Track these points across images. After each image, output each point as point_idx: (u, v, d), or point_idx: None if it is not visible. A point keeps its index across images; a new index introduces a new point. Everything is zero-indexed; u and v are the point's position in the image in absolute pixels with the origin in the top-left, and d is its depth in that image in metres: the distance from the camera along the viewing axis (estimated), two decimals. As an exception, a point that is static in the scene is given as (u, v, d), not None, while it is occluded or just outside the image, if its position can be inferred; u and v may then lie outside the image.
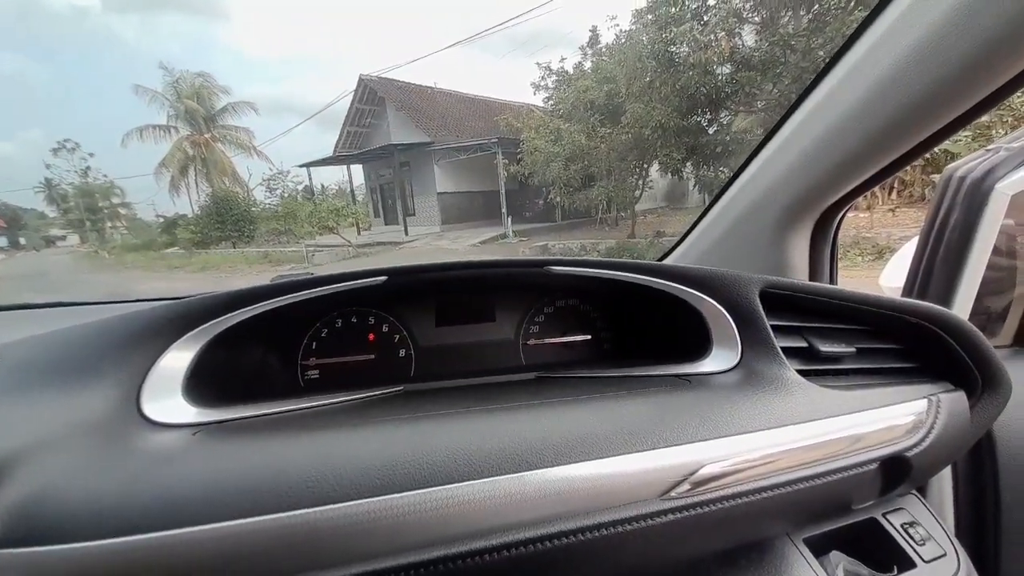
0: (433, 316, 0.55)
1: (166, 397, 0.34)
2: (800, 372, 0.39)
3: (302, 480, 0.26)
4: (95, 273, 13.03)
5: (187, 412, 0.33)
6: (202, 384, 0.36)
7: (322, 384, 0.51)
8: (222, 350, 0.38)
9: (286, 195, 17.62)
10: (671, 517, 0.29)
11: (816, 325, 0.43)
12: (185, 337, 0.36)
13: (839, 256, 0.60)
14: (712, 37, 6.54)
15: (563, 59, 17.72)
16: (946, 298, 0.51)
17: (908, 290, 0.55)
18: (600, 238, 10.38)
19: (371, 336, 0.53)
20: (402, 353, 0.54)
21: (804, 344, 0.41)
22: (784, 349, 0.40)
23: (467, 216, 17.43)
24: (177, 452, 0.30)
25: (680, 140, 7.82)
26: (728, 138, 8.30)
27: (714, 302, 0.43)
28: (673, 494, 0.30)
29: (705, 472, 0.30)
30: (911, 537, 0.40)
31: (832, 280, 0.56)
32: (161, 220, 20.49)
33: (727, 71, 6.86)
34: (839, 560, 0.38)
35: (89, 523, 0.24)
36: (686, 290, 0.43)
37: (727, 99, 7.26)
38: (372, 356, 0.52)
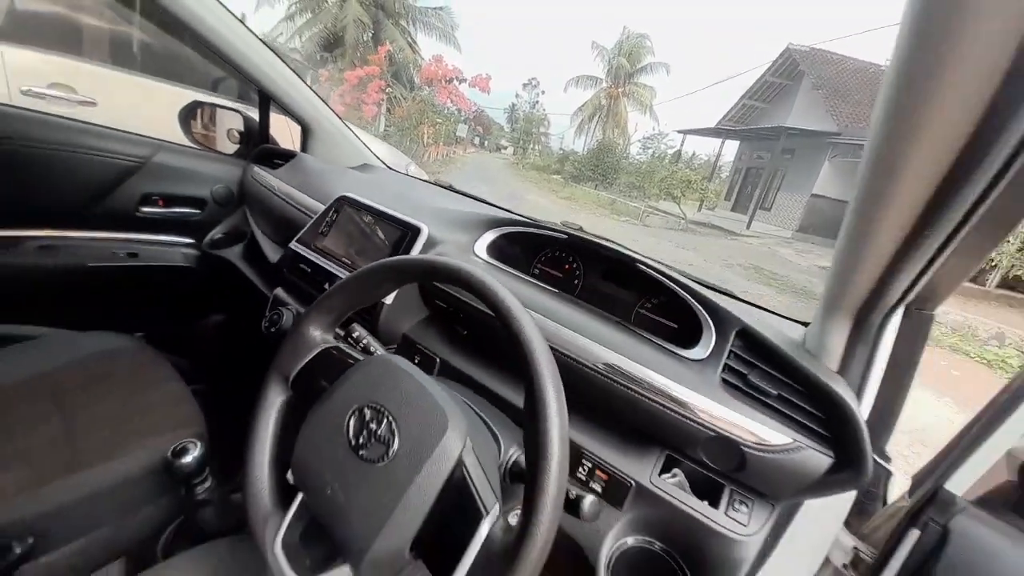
0: (600, 271, 0.94)
1: (481, 245, 0.90)
2: (724, 380, 0.59)
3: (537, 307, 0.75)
4: (509, 177, 18.28)
5: (482, 254, 0.89)
6: (491, 250, 0.91)
7: (540, 277, 1.01)
8: (503, 240, 0.92)
9: (656, 155, 18.83)
10: (602, 379, 0.64)
11: (762, 366, 0.58)
12: (493, 230, 0.91)
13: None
14: None
15: None
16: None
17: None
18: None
19: (567, 267, 0.97)
20: (576, 282, 0.96)
21: (745, 372, 0.59)
22: (728, 366, 0.60)
23: (835, 231, 14.12)
24: (481, 263, 0.85)
25: None
26: None
27: (712, 325, 0.65)
28: (604, 366, 0.64)
29: (627, 367, 0.62)
30: (734, 502, 0.58)
31: (863, 384, 0.58)
32: (560, 152, 26.03)
33: None
34: (678, 473, 0.60)
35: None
36: (706, 318, 0.67)
37: None
38: (560, 276, 0.97)
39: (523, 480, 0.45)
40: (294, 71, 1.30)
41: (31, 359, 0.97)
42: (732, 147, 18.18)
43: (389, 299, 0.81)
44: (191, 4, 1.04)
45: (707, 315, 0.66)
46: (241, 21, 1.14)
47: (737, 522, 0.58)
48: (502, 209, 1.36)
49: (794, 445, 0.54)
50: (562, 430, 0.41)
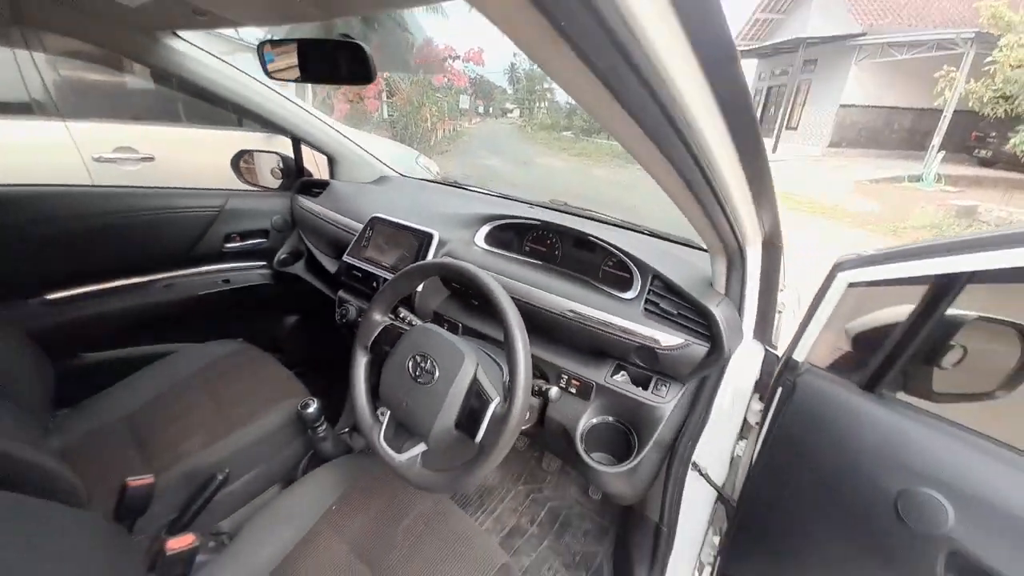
0: (572, 242, 1.22)
1: (479, 237, 1.21)
2: (645, 309, 0.88)
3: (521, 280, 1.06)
4: (518, 143, 18.07)
5: (482, 244, 1.19)
6: (488, 239, 1.21)
7: (529, 253, 1.30)
8: (496, 230, 1.22)
9: (668, 91, 17.93)
10: (568, 320, 0.94)
11: (670, 297, 0.87)
12: (487, 224, 1.21)
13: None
14: None
15: None
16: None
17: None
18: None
19: (548, 242, 1.26)
20: (557, 253, 1.25)
21: (657, 302, 0.88)
22: (648, 299, 0.89)
23: (874, 141, 13.34)
24: (481, 255, 1.16)
25: None
26: None
27: (638, 274, 0.93)
28: (570, 312, 0.94)
29: (583, 311, 0.92)
30: (657, 386, 0.88)
31: (742, 299, 0.85)
32: (568, 105, 25.26)
33: None
34: (625, 374, 0.92)
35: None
36: (635, 269, 0.95)
37: None
38: (544, 250, 1.26)
39: None
40: (311, 113, 1.61)
41: (176, 368, 1.38)
42: (751, 68, 17.13)
43: (420, 287, 1.14)
44: (228, 83, 1.35)
45: (635, 267, 0.95)
46: (274, 89, 1.45)
47: (659, 396, 0.89)
48: (499, 196, 1.64)
49: (685, 344, 0.83)
50: (525, 353, 0.72)
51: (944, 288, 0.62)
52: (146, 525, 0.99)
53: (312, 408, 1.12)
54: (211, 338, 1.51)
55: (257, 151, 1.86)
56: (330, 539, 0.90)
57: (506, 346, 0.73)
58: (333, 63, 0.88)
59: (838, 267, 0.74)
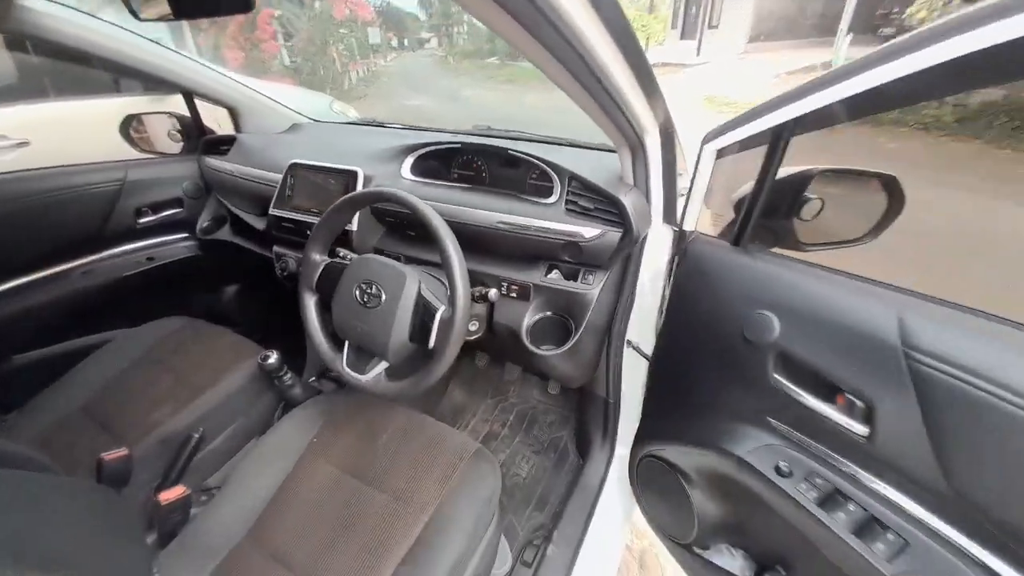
0: (498, 162, 1.26)
1: (405, 169, 1.22)
2: (566, 209, 0.97)
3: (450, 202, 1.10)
4: (441, 78, 16.92)
5: (408, 176, 1.21)
6: (415, 170, 1.23)
7: (458, 179, 1.33)
8: (420, 160, 1.23)
9: (589, 0, 17.08)
10: (499, 232, 1.02)
11: (586, 194, 0.96)
12: (409, 155, 1.22)
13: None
14: None
15: None
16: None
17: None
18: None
19: (475, 165, 1.29)
20: (484, 175, 1.29)
21: (576, 200, 0.97)
22: (568, 199, 0.97)
23: (790, 30, 13.56)
24: (409, 186, 1.18)
25: None
26: None
27: (557, 180, 1.01)
28: (499, 224, 1.02)
29: (511, 219, 1.00)
30: (584, 276, 1.01)
31: (648, 187, 0.96)
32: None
33: None
34: (557, 273, 1.03)
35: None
36: (554, 175, 1.02)
37: None
38: (473, 174, 1.29)
39: None
40: (200, 62, 1.47)
41: (119, 353, 1.34)
42: (666, -35, 16.46)
43: (354, 226, 1.16)
44: (99, 39, 1.20)
45: (554, 174, 1.02)
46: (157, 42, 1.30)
47: (586, 284, 1.01)
48: (420, 129, 1.62)
49: (603, 232, 0.93)
50: (458, 257, 0.79)
51: (776, 141, 0.70)
52: (133, 493, 1.03)
53: (273, 359, 1.16)
54: (145, 320, 1.46)
55: (147, 113, 1.70)
56: (317, 464, 0.99)
57: (440, 255, 0.80)
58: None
59: (705, 139, 0.83)
